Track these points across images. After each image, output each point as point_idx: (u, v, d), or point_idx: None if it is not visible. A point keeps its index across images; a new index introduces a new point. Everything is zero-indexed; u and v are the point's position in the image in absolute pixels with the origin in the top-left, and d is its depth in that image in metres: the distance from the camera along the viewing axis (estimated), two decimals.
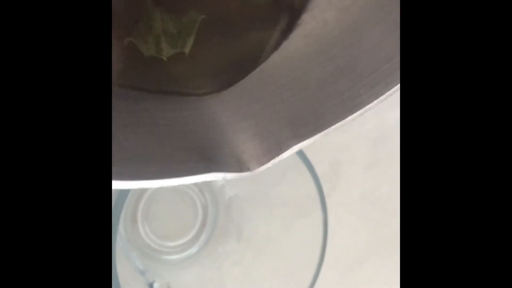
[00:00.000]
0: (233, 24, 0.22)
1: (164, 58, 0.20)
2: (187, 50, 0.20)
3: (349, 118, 0.19)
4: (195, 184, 0.33)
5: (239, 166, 0.19)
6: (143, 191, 0.32)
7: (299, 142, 0.19)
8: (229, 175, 0.19)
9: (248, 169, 0.19)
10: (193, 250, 0.33)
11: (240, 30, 0.22)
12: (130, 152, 0.18)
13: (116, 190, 0.28)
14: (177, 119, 0.21)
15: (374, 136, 0.36)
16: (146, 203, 0.32)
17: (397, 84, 0.19)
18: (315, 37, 0.21)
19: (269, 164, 0.19)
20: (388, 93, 0.19)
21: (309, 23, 0.21)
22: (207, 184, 0.33)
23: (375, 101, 0.19)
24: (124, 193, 0.27)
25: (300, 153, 0.28)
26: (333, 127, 0.19)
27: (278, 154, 0.19)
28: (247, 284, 0.32)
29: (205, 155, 0.19)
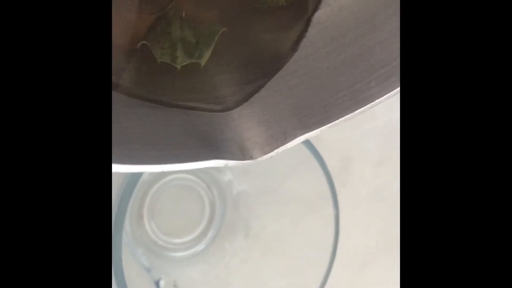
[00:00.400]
0: (249, 31, 0.21)
1: (178, 67, 0.19)
2: (203, 61, 0.20)
3: (358, 111, 0.19)
4: (202, 180, 0.33)
5: (242, 153, 0.19)
6: (149, 187, 0.32)
7: (305, 132, 0.19)
8: (231, 163, 0.18)
9: (251, 157, 0.18)
10: (200, 247, 0.33)
11: (256, 37, 0.21)
12: (132, 134, 0.18)
13: (121, 185, 0.27)
14: None
15: (385, 132, 0.35)
16: (152, 199, 0.32)
17: None
18: (329, 24, 0.21)
19: (273, 153, 0.19)
20: (399, 88, 0.19)
21: (323, 9, 0.21)
22: (214, 179, 0.33)
23: (386, 96, 0.19)
24: (130, 189, 0.27)
25: (311, 148, 0.27)
26: (340, 119, 0.19)
27: (282, 144, 0.19)
28: (254, 282, 0.32)
29: (208, 141, 0.19)
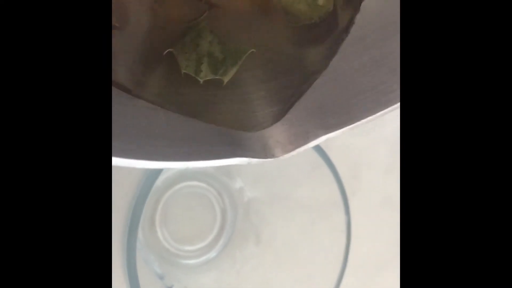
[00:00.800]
0: (280, 48, 0.21)
1: (201, 81, 0.19)
2: (226, 79, 0.19)
3: (380, 113, 0.19)
4: (213, 187, 0.33)
5: (264, 151, 0.19)
6: (161, 194, 0.32)
7: (326, 133, 0.19)
8: (254, 161, 0.18)
9: (273, 155, 0.19)
10: (212, 254, 0.33)
11: (286, 53, 0.21)
12: (156, 130, 0.18)
13: (135, 192, 0.27)
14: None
15: (394, 140, 0.35)
16: (164, 207, 0.32)
17: None
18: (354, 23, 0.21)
19: (294, 152, 0.19)
20: None
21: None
22: (225, 186, 0.33)
23: (375, 115, 0.19)
24: (143, 198, 0.27)
25: (323, 155, 0.27)
26: (363, 121, 0.19)
27: (305, 143, 0.19)
28: None
29: (231, 138, 0.19)
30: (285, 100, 0.20)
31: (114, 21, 0.19)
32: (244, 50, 0.20)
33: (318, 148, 0.27)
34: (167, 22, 0.20)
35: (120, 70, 0.19)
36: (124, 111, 0.18)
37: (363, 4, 0.20)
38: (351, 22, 0.19)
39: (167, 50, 0.19)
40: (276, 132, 0.19)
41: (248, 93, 0.20)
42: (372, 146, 0.35)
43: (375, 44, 0.20)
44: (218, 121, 0.19)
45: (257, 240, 0.32)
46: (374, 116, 0.19)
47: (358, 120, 0.19)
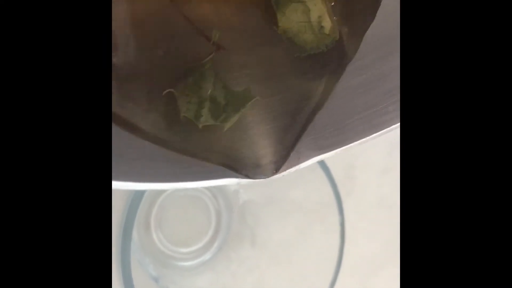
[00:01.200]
0: (284, 79, 0.20)
1: (199, 126, 0.18)
2: (227, 126, 0.18)
3: (373, 135, 0.19)
4: (208, 189, 0.33)
5: (255, 171, 0.18)
6: (156, 197, 0.32)
7: (319, 154, 0.19)
8: (244, 181, 0.18)
9: (265, 175, 0.18)
10: (207, 256, 0.33)
11: (291, 84, 0.20)
12: (148, 151, 0.18)
13: (129, 195, 0.27)
14: None
15: (389, 140, 0.36)
16: (159, 210, 0.32)
17: None
18: None
19: (285, 173, 0.19)
20: None
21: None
22: (220, 189, 0.33)
23: (368, 137, 0.19)
24: (137, 199, 0.27)
25: None
26: (355, 143, 0.19)
27: (296, 164, 0.19)
28: None
29: (224, 158, 0.18)
30: (286, 142, 0.19)
31: (116, 55, 0.18)
32: (248, 98, 0.19)
33: None
34: (172, 59, 0.19)
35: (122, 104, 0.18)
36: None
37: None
38: (356, 49, 0.19)
39: (167, 90, 0.18)
40: (268, 152, 0.19)
41: (247, 137, 0.19)
42: (367, 147, 0.35)
43: (370, 65, 0.20)
44: (214, 160, 0.19)
45: (252, 241, 0.32)
46: (367, 138, 0.19)
47: (352, 142, 0.19)
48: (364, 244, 0.35)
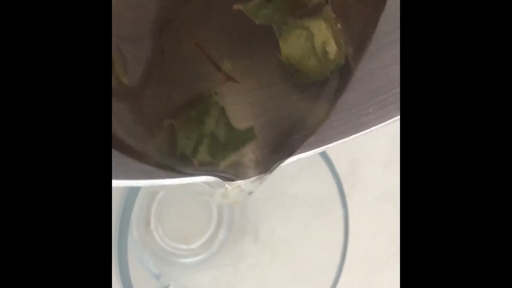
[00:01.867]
0: (287, 104, 0.19)
1: (195, 162, 0.18)
2: (223, 164, 0.18)
3: (352, 136, 0.18)
4: (209, 184, 0.32)
5: (236, 171, 0.18)
6: (155, 193, 0.31)
7: (298, 153, 0.18)
8: (223, 179, 0.18)
9: (244, 176, 0.18)
10: (209, 253, 0.32)
11: (292, 109, 0.19)
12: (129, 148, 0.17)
13: (123, 193, 0.27)
14: None
15: (393, 133, 0.35)
16: (159, 206, 0.31)
17: None
18: None
19: (268, 173, 0.18)
20: (396, 118, 0.18)
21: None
22: (221, 184, 0.32)
23: (383, 123, 0.19)
24: (132, 196, 0.26)
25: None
26: (335, 143, 0.18)
27: (277, 161, 0.18)
28: (264, 287, 0.31)
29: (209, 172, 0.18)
30: (276, 162, 0.19)
31: (122, 76, 0.17)
32: (250, 138, 0.18)
33: None
34: (177, 86, 0.18)
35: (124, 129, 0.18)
36: None
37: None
38: (358, 62, 0.19)
39: (168, 121, 0.18)
40: (249, 151, 0.18)
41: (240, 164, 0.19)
42: (370, 140, 0.35)
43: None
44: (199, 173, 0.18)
45: (255, 237, 0.32)
46: (347, 138, 0.18)
47: (331, 142, 0.18)
48: (368, 238, 0.35)
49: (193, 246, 0.32)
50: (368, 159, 0.35)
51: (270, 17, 0.18)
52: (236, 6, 0.18)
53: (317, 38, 0.18)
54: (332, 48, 0.18)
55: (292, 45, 0.18)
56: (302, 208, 0.30)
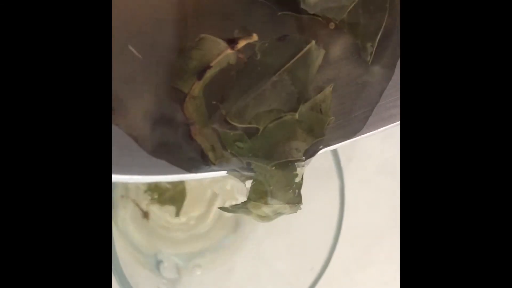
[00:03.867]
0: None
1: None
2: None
3: (382, 129, 0.18)
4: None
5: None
6: None
7: (330, 145, 0.19)
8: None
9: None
10: (203, 227, 0.32)
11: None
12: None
13: None
14: None
15: None
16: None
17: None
18: None
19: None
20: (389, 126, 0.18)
21: None
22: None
23: (377, 130, 0.19)
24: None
25: None
26: (364, 135, 0.18)
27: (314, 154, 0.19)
28: (259, 262, 0.31)
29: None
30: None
31: None
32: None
33: None
34: None
35: None
36: None
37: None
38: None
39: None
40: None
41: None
42: None
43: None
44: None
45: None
46: (376, 131, 0.18)
47: (361, 134, 0.18)
48: (365, 212, 0.34)
49: (187, 220, 0.32)
50: None
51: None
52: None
53: None
54: None
55: None
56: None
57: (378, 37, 0.18)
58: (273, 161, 0.17)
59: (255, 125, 0.17)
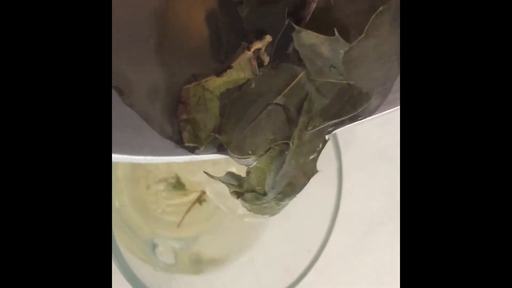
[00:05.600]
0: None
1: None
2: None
3: (387, 111, 0.18)
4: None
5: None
6: None
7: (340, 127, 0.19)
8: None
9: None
10: (199, 211, 0.32)
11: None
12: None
13: None
14: None
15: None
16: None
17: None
18: None
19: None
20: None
21: None
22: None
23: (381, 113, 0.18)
24: None
25: None
26: (369, 118, 0.18)
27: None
28: (253, 244, 0.31)
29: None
30: None
31: None
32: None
33: None
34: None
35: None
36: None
37: None
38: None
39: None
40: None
41: None
42: None
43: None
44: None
45: None
46: (381, 114, 0.18)
47: (367, 116, 0.18)
48: (362, 198, 0.34)
49: (181, 203, 0.31)
50: None
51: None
52: None
53: None
54: None
55: None
56: None
57: None
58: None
59: (253, 156, 0.17)
